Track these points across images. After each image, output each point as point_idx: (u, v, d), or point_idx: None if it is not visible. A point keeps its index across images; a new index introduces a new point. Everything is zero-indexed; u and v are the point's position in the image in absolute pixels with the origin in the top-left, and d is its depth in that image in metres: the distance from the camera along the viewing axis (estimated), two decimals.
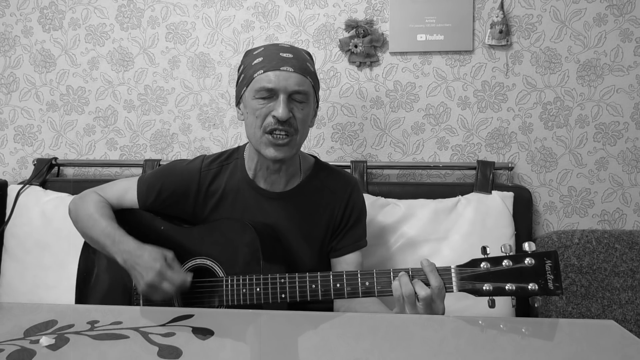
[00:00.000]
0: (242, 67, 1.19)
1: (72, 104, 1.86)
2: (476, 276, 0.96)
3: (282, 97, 1.10)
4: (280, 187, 1.23)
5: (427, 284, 0.97)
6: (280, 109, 1.09)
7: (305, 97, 1.13)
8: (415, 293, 0.96)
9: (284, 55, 1.13)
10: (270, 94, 1.11)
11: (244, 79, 1.16)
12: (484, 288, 0.95)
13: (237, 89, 1.20)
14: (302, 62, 1.14)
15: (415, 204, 1.59)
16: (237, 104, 1.21)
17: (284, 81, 1.10)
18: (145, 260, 1.09)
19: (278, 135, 1.11)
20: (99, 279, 1.27)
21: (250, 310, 1.00)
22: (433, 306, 0.97)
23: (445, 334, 0.89)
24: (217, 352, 0.79)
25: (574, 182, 1.70)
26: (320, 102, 1.76)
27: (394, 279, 1.00)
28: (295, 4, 1.76)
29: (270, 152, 1.13)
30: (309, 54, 1.21)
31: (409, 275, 0.99)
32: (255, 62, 1.14)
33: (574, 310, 1.52)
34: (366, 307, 1.16)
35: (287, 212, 1.22)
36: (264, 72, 1.11)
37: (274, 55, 1.13)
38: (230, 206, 1.23)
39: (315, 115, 1.22)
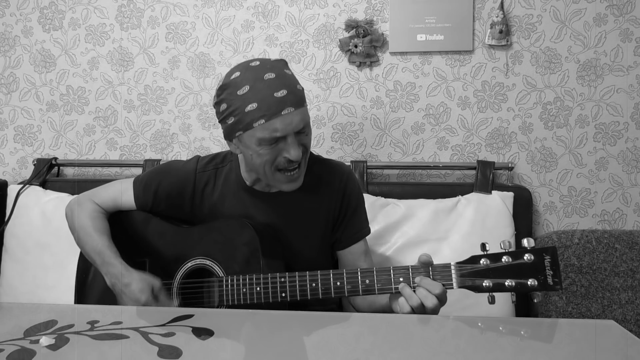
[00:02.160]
0: (227, 107, 1.07)
1: (72, 104, 1.86)
2: (476, 273, 0.97)
3: (290, 139, 1.06)
4: (276, 189, 1.22)
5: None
6: (292, 152, 1.06)
7: (308, 127, 1.11)
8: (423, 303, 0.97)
9: (279, 95, 1.04)
10: (277, 140, 1.07)
11: (237, 123, 1.07)
12: (483, 284, 0.96)
13: (227, 128, 1.10)
14: (295, 90, 1.07)
15: (415, 204, 1.59)
16: (229, 139, 1.13)
17: (289, 125, 1.05)
18: (131, 291, 1.08)
19: (293, 173, 1.11)
20: (98, 279, 1.27)
21: (250, 310, 1.00)
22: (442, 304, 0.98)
23: (445, 334, 0.89)
24: (217, 352, 0.79)
25: (574, 182, 1.70)
26: (320, 102, 1.76)
27: (394, 277, 1.00)
28: (295, 4, 1.76)
29: (288, 187, 1.13)
30: (285, 63, 1.12)
31: (410, 276, 1.00)
32: (248, 108, 1.04)
33: (574, 310, 1.52)
34: (372, 298, 1.15)
35: (284, 210, 1.22)
36: (266, 121, 1.04)
37: (269, 99, 1.03)
38: (228, 208, 1.22)
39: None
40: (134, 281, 1.09)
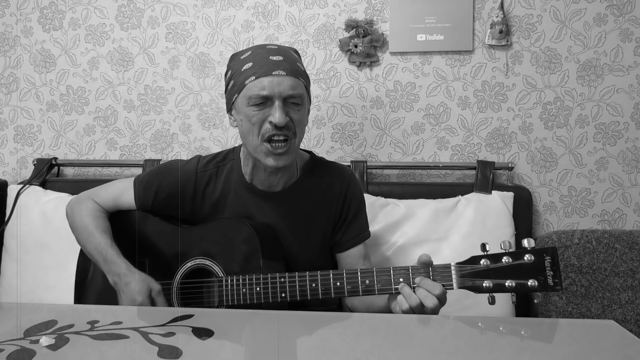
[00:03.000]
0: (230, 73, 1.15)
1: (72, 104, 1.86)
2: (476, 273, 0.96)
3: (277, 103, 1.08)
4: (277, 187, 1.22)
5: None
6: (277, 115, 1.07)
7: (299, 99, 1.12)
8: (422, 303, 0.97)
9: (274, 58, 1.10)
10: (265, 100, 1.08)
11: (234, 86, 1.13)
12: (483, 285, 0.96)
13: (228, 95, 1.16)
14: (293, 64, 1.12)
15: (415, 204, 1.59)
16: (229, 110, 1.18)
17: (277, 86, 1.08)
18: (130, 290, 1.09)
19: (277, 145, 1.10)
20: (97, 278, 1.27)
21: (250, 311, 1.00)
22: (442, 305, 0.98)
23: (445, 334, 0.89)
24: (217, 352, 0.79)
25: (574, 182, 1.70)
26: (320, 102, 1.76)
27: (393, 277, 1.00)
28: (295, 4, 1.76)
29: (270, 162, 1.11)
30: (296, 51, 1.19)
31: (410, 276, 1.00)
32: (244, 67, 1.10)
33: (574, 310, 1.52)
34: (371, 299, 1.15)
35: (286, 211, 1.21)
36: (256, 78, 1.08)
37: (264, 60, 1.09)
38: (229, 207, 1.22)
39: (309, 112, 1.21)
40: (133, 281, 1.10)
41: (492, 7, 1.68)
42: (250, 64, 1.10)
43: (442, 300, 0.97)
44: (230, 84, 1.14)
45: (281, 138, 1.09)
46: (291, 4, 1.76)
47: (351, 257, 1.24)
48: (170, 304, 1.15)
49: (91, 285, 1.28)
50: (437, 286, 0.96)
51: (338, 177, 1.25)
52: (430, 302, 0.96)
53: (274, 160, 1.11)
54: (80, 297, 1.28)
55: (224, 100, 1.77)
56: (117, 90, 1.84)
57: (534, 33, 1.68)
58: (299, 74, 1.12)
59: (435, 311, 0.97)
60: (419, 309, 0.97)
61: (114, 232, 1.22)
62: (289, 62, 1.11)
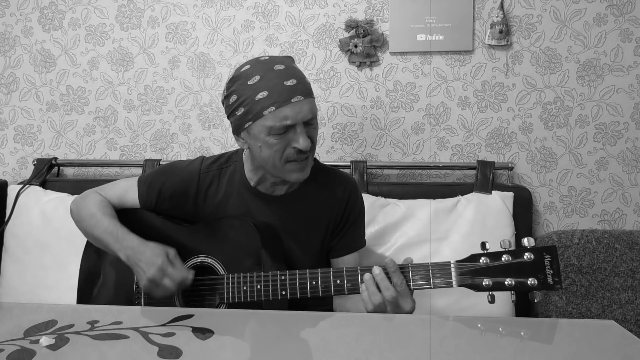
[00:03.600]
0: (236, 98, 1.10)
1: (72, 104, 1.86)
2: (475, 271, 0.96)
3: (299, 129, 1.07)
4: (280, 191, 1.23)
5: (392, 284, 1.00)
6: (301, 141, 1.07)
7: (315, 118, 1.12)
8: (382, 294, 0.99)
9: (289, 83, 1.06)
10: (287, 129, 1.08)
11: (247, 113, 1.08)
12: (483, 283, 0.96)
13: (236, 121, 1.12)
14: (305, 83, 1.10)
15: (415, 204, 1.59)
16: (237, 133, 1.14)
17: (299, 114, 1.06)
18: (147, 257, 1.09)
19: (302, 163, 1.11)
20: (100, 278, 1.27)
21: (250, 310, 1.00)
22: (399, 304, 1.00)
23: (445, 334, 0.89)
24: (217, 352, 0.79)
25: (574, 182, 1.70)
26: (320, 102, 1.76)
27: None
28: (295, 4, 1.76)
29: (296, 177, 1.13)
30: (292, 60, 1.16)
31: (409, 274, 1.00)
32: (259, 97, 1.06)
33: (574, 310, 1.52)
34: (357, 305, 1.16)
35: (287, 214, 1.22)
36: (276, 108, 1.05)
37: (278, 86, 1.06)
38: (231, 208, 1.23)
39: None
40: (149, 248, 1.11)
41: (492, 7, 1.68)
42: (265, 93, 1.06)
43: (403, 294, 0.98)
44: (241, 111, 1.09)
45: (304, 157, 1.11)
46: (291, 4, 1.76)
47: (344, 264, 1.25)
48: (172, 302, 1.16)
49: (94, 285, 1.28)
50: (400, 278, 0.98)
51: (341, 184, 1.26)
52: (389, 294, 0.98)
53: (298, 175, 1.13)
54: (83, 296, 1.28)
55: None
56: (117, 90, 1.84)
57: (534, 33, 1.68)
58: (312, 93, 1.12)
59: (396, 307, 0.98)
60: (376, 299, 0.99)
61: None
62: (302, 82, 1.09)
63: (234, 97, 1.11)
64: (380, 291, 1.00)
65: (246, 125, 1.10)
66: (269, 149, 1.09)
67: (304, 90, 1.09)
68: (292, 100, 1.06)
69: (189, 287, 1.12)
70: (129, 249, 1.13)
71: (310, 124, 1.11)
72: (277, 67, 1.08)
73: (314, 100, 1.12)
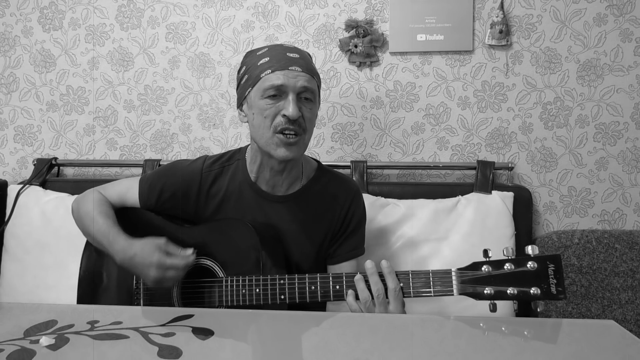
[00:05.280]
0: (244, 68, 1.17)
1: (72, 104, 1.86)
2: (477, 279, 0.95)
3: (291, 96, 1.09)
4: (282, 190, 1.22)
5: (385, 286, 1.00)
6: (290, 108, 1.08)
7: (312, 96, 1.13)
8: (371, 292, 1.00)
9: (291, 55, 1.12)
10: (279, 93, 1.09)
11: (248, 79, 1.14)
12: (485, 292, 0.94)
13: (240, 90, 1.18)
14: (309, 63, 1.15)
15: (415, 204, 1.59)
16: (239, 105, 1.19)
17: (293, 79, 1.09)
18: (141, 258, 1.08)
19: (289, 135, 1.10)
20: (101, 277, 1.27)
21: (251, 310, 1.00)
22: (389, 308, 0.99)
23: (445, 334, 0.89)
24: (217, 352, 0.79)
25: (574, 182, 1.70)
26: (320, 102, 1.76)
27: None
28: (295, 4, 1.76)
29: (281, 152, 1.11)
30: (310, 55, 1.21)
31: (410, 281, 1.00)
32: (261, 62, 1.12)
33: (574, 310, 1.52)
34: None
35: (288, 216, 1.22)
36: (272, 71, 1.10)
37: (280, 55, 1.12)
38: (232, 208, 1.22)
39: (316, 116, 1.22)
40: (138, 248, 1.09)
41: (492, 7, 1.68)
42: (267, 59, 1.12)
43: (396, 297, 0.98)
44: (244, 79, 1.15)
45: (292, 132, 1.10)
46: (291, 4, 1.76)
47: (342, 271, 1.25)
48: (171, 303, 1.15)
49: (94, 284, 1.28)
50: (394, 281, 0.99)
51: (344, 189, 1.26)
52: (377, 289, 0.98)
53: (285, 150, 1.11)
54: (83, 296, 1.28)
55: (224, 100, 1.79)
56: (117, 90, 1.84)
57: (534, 33, 1.68)
58: (314, 73, 1.15)
59: (382, 303, 0.99)
60: (366, 302, 0.99)
61: None
62: (305, 60, 1.14)
63: (243, 69, 1.17)
64: (369, 290, 1.00)
65: (247, 92, 1.14)
66: (261, 114, 1.11)
67: (305, 65, 1.12)
68: (289, 68, 1.10)
69: (194, 264, 1.11)
70: (119, 252, 1.12)
71: (305, 99, 1.12)
72: (287, 45, 1.17)
73: (314, 81, 1.14)
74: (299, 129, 1.10)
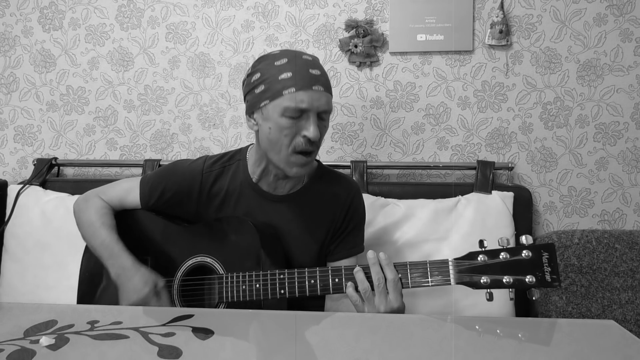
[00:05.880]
0: (258, 75, 1.11)
1: (72, 104, 1.86)
2: (473, 269, 0.96)
3: (312, 118, 1.08)
4: (283, 190, 1.23)
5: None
6: (312, 129, 1.07)
7: (328, 115, 1.13)
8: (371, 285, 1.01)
9: (314, 72, 1.09)
10: (300, 114, 1.08)
11: (266, 91, 1.09)
12: (481, 281, 0.96)
13: (253, 98, 1.12)
14: (328, 80, 1.13)
15: (415, 204, 1.59)
16: (250, 112, 1.15)
17: (316, 102, 1.08)
18: (134, 284, 1.10)
19: (307, 157, 1.11)
20: (101, 278, 1.27)
21: (251, 310, 1.00)
22: (388, 298, 1.00)
23: (445, 334, 0.89)
24: (217, 352, 0.79)
25: (574, 182, 1.70)
26: None
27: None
28: (295, 4, 1.76)
29: (296, 171, 1.12)
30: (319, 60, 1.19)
31: (407, 272, 1.00)
32: (282, 76, 1.08)
33: (574, 310, 1.52)
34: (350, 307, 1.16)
35: (289, 215, 1.22)
36: (296, 90, 1.07)
37: (304, 72, 1.08)
38: (233, 207, 1.23)
39: None
40: (138, 274, 1.11)
41: (492, 7, 1.68)
42: (289, 74, 1.08)
43: (395, 288, 0.99)
44: (260, 88, 1.10)
45: (311, 151, 1.11)
46: (291, 4, 1.76)
47: None
48: (171, 301, 1.16)
49: (94, 285, 1.28)
50: (392, 271, 0.99)
51: (344, 188, 1.26)
52: (377, 278, 0.98)
53: (300, 170, 1.13)
54: (83, 296, 1.29)
55: (224, 100, 1.79)
56: (117, 90, 1.84)
57: (534, 33, 1.68)
58: (330, 90, 1.14)
59: (382, 293, 0.99)
60: (366, 292, 1.00)
61: (118, 230, 1.23)
62: (324, 76, 1.12)
63: (257, 75, 1.12)
64: (369, 281, 1.01)
65: (262, 104, 1.10)
66: (279, 132, 1.09)
67: (325, 83, 1.11)
68: (313, 88, 1.08)
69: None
70: (119, 268, 1.13)
71: (322, 119, 1.12)
72: (306, 57, 1.12)
73: (331, 98, 1.13)
74: (315, 148, 1.12)
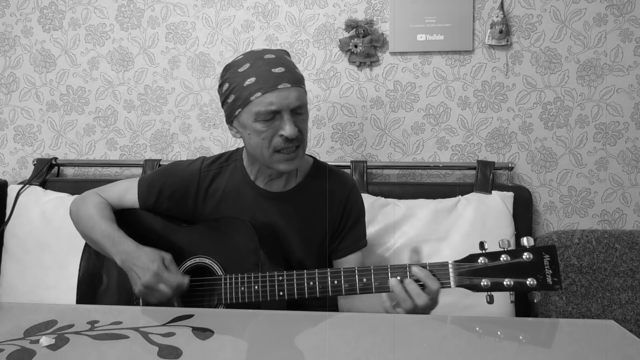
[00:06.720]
0: (228, 86, 1.13)
1: (72, 104, 1.86)
2: (474, 271, 0.96)
3: (286, 116, 1.09)
4: (279, 187, 1.23)
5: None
6: (287, 128, 1.08)
7: (304, 108, 1.13)
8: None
9: (276, 70, 1.09)
10: (273, 115, 1.09)
11: (236, 100, 1.11)
12: (482, 283, 0.95)
13: (228, 108, 1.15)
14: (294, 72, 1.12)
15: (415, 204, 1.59)
16: (230, 122, 1.17)
17: (285, 100, 1.08)
18: (142, 262, 1.09)
19: (289, 151, 1.11)
20: (100, 279, 1.27)
21: (250, 311, 1.00)
22: (433, 306, 0.99)
23: (445, 334, 0.89)
24: (217, 352, 0.79)
25: (574, 182, 1.70)
26: (320, 102, 1.76)
27: (391, 276, 1.00)
28: (295, 4, 1.76)
29: (284, 166, 1.13)
30: (288, 54, 1.18)
31: (408, 274, 1.00)
32: (247, 82, 1.09)
33: (574, 310, 1.52)
34: (366, 302, 1.16)
35: (286, 212, 1.22)
36: (262, 94, 1.07)
37: (267, 74, 1.08)
38: (231, 207, 1.23)
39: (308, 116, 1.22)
40: (144, 253, 1.11)
41: (492, 7, 1.68)
42: (253, 79, 1.08)
43: (433, 298, 0.97)
44: (231, 98, 1.12)
45: (292, 148, 1.11)
46: (291, 4, 1.76)
47: (348, 264, 1.25)
48: (170, 303, 1.16)
49: (93, 285, 1.28)
50: (434, 281, 0.96)
51: (340, 184, 1.26)
52: (422, 300, 0.95)
53: (287, 165, 1.13)
54: (82, 296, 1.28)
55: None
56: (117, 90, 1.84)
57: (534, 33, 1.68)
58: (301, 82, 1.13)
59: (425, 310, 0.97)
60: (408, 305, 0.96)
61: None
62: (291, 71, 1.11)
63: (226, 85, 1.14)
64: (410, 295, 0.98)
65: (236, 113, 1.12)
66: (257, 136, 1.10)
67: (292, 78, 1.10)
68: (279, 87, 1.08)
69: (185, 291, 1.12)
70: (124, 253, 1.13)
71: (298, 114, 1.11)
72: (267, 56, 1.11)
73: (304, 90, 1.13)
74: (296, 142, 1.12)
